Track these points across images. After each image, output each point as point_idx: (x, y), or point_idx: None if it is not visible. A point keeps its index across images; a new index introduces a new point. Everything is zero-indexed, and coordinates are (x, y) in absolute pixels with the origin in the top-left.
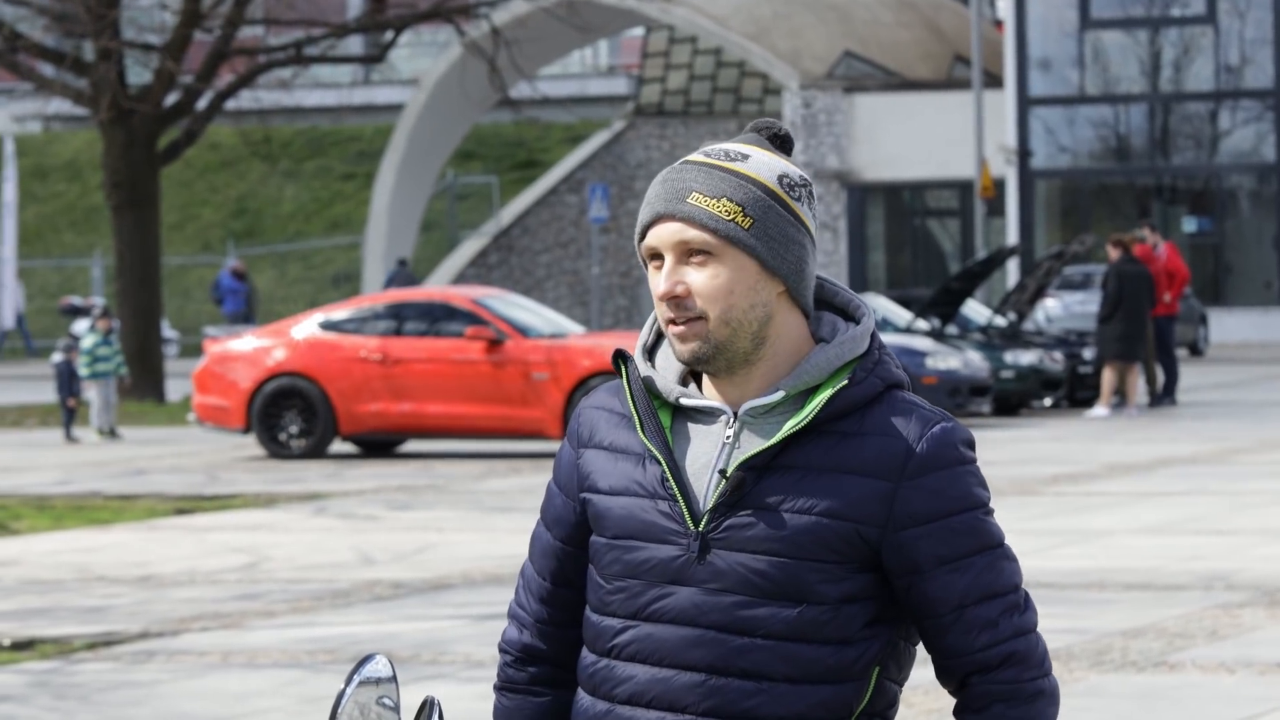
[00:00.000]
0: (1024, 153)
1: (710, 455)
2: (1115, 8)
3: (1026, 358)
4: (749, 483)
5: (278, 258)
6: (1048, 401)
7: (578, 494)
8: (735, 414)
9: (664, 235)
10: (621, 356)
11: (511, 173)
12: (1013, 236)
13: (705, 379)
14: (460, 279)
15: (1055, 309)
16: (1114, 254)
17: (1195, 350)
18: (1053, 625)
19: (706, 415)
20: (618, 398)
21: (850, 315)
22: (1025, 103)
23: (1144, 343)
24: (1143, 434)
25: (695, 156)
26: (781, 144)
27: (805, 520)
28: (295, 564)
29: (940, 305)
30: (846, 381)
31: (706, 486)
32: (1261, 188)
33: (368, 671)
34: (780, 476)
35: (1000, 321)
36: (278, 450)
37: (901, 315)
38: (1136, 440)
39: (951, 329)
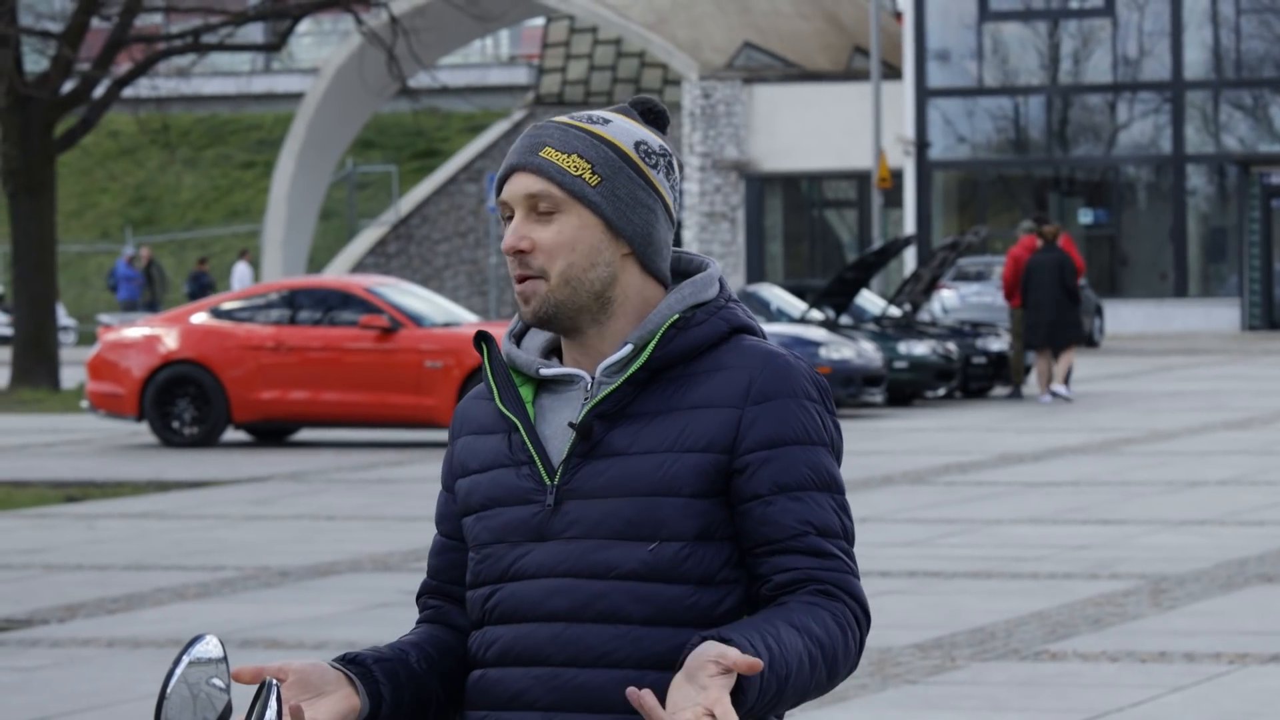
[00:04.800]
0: (922, 144)
1: (571, 418)
2: (1014, 0)
3: (920, 348)
4: (599, 431)
5: (176, 245)
6: (941, 392)
7: (454, 483)
8: (594, 378)
9: (515, 188)
10: (483, 337)
11: (411, 162)
12: (910, 227)
13: (565, 353)
14: (359, 268)
15: (951, 300)
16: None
17: (1090, 341)
18: (936, 614)
19: (567, 384)
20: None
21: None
22: (924, 94)
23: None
24: (1034, 424)
25: (560, 118)
26: (655, 120)
27: (654, 458)
28: (184, 550)
29: (834, 295)
30: (677, 316)
31: (564, 445)
32: (1159, 180)
33: (197, 652)
34: (630, 423)
35: (895, 312)
36: (170, 438)
37: (796, 305)
38: (1028, 430)
39: (846, 319)
